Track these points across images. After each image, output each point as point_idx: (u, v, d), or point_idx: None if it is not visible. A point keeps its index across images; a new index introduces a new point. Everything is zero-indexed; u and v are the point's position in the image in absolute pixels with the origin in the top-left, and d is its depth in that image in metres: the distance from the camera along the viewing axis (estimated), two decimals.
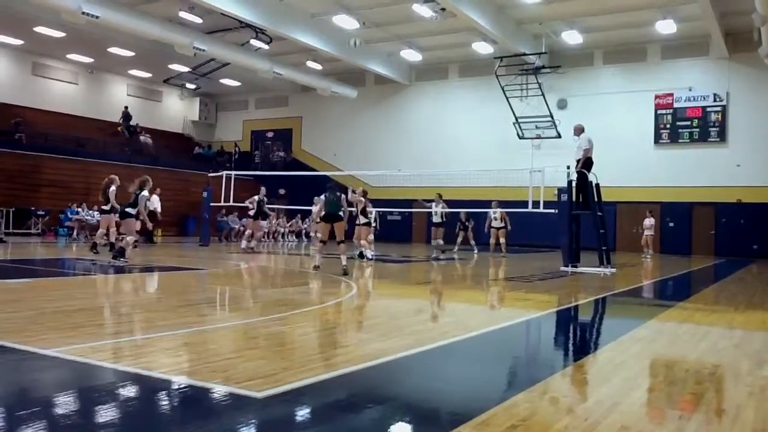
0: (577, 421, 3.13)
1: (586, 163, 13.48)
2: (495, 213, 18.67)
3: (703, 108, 24.20)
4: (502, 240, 18.50)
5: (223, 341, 5.08)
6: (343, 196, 11.79)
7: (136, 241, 13.04)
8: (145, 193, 12.56)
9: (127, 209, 12.36)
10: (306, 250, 19.21)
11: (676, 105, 24.64)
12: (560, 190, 13.86)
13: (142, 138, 29.82)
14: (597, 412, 3.28)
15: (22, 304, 6.49)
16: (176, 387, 3.58)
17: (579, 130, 13.87)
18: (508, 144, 26.51)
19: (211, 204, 20.12)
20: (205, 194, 20.25)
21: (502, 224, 18.61)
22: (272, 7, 21.68)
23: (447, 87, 29.25)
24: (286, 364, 4.14)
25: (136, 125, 30.40)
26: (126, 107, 30.33)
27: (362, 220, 15.45)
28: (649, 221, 21.79)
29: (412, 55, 27.17)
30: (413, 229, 29.24)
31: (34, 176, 23.42)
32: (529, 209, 16.89)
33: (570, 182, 13.69)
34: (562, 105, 26.23)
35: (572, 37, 24.08)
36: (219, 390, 3.46)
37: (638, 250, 21.88)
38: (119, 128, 29.93)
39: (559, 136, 25.06)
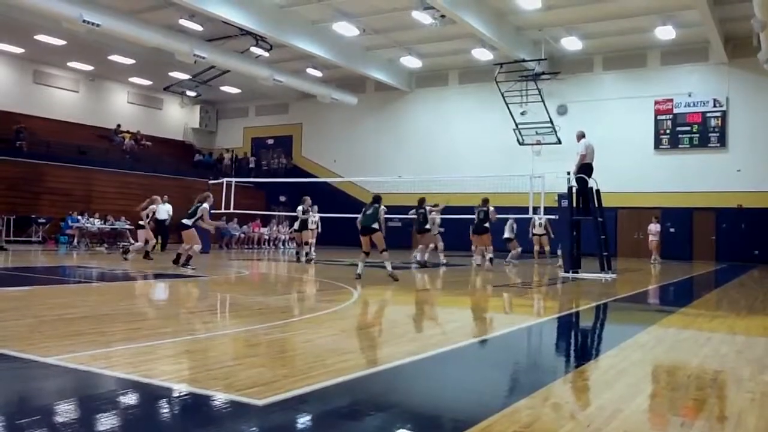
0: (580, 427, 3.13)
1: (583, 168, 13.48)
2: (540, 220, 18.66)
3: (703, 113, 24.22)
4: (546, 248, 19.00)
5: (224, 348, 5.07)
6: (383, 208, 11.83)
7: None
8: (206, 205, 13.18)
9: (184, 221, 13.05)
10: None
11: (675, 110, 24.66)
12: (560, 196, 13.87)
13: (126, 142, 29.84)
14: (599, 418, 3.27)
15: (23, 311, 6.48)
16: (177, 394, 3.58)
17: (580, 137, 13.89)
18: (508, 150, 26.53)
19: (212, 211, 20.11)
20: None
21: (544, 232, 18.94)
22: (273, 14, 21.75)
23: (447, 93, 29.29)
24: (287, 372, 4.14)
25: (127, 131, 30.43)
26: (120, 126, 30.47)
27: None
28: (654, 227, 21.85)
29: (412, 62, 27.23)
30: (413, 236, 29.19)
31: (35, 184, 23.42)
32: (530, 215, 16.91)
33: (570, 188, 13.70)
34: (562, 111, 26.26)
35: (572, 44, 24.12)
36: (220, 397, 3.46)
37: (639, 256, 21.84)
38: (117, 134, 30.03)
39: (559, 142, 25.09)
